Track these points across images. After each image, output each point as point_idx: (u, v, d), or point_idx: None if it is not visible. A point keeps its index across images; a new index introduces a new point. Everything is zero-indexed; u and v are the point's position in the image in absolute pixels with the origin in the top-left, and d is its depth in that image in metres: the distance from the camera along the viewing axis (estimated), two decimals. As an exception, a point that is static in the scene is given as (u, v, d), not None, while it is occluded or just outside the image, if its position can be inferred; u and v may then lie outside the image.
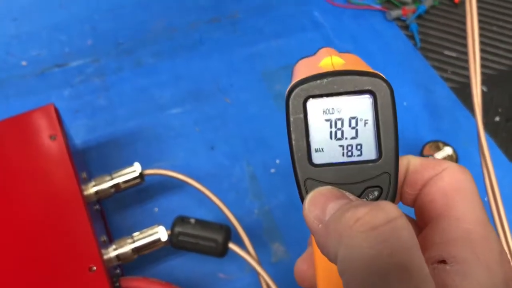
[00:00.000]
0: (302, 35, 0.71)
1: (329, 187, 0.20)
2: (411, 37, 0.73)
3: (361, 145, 0.20)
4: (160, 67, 0.67)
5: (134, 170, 0.48)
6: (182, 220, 0.47)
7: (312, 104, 0.19)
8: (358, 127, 0.20)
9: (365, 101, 0.19)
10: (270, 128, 0.62)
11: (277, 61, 0.69)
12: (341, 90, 0.19)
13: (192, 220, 0.47)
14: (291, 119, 0.19)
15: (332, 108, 0.19)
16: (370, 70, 0.21)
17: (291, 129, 0.19)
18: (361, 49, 0.71)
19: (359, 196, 0.20)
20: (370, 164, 0.20)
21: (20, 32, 0.71)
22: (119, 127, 0.62)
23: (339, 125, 0.20)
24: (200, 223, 0.47)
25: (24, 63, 0.67)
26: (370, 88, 0.19)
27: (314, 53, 0.25)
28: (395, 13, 0.73)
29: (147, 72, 0.67)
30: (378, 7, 0.75)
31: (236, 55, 0.69)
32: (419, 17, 0.75)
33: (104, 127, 0.61)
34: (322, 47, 0.25)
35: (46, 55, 0.68)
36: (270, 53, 0.69)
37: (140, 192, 0.56)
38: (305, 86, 0.19)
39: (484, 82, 0.68)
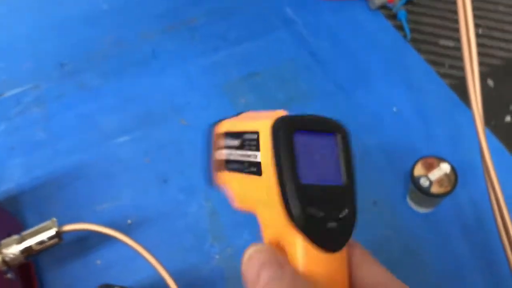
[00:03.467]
0: (270, 37, 0.62)
1: (266, 247, 0.22)
2: (400, 28, 0.62)
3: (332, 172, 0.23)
4: (106, 89, 0.59)
5: (50, 227, 0.40)
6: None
7: (298, 136, 0.23)
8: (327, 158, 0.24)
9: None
10: (233, 152, 0.53)
11: (240, 69, 0.59)
12: (319, 128, 0.24)
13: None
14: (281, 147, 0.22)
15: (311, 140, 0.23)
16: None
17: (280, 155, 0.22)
18: (341, 46, 0.60)
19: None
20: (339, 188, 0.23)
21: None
22: (60, 164, 0.53)
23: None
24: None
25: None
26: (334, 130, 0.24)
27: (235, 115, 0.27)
28: (379, 0, 0.62)
29: (92, 96, 0.58)
30: (359, -5, 0.64)
31: (193, 67, 0.60)
32: (408, 2, 0.63)
33: (43, 165, 0.53)
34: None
35: (-19, 85, 0.60)
36: (233, 61, 0.60)
37: (80, 242, 0.48)
38: (291, 121, 0.23)
39: (489, 74, 0.57)
